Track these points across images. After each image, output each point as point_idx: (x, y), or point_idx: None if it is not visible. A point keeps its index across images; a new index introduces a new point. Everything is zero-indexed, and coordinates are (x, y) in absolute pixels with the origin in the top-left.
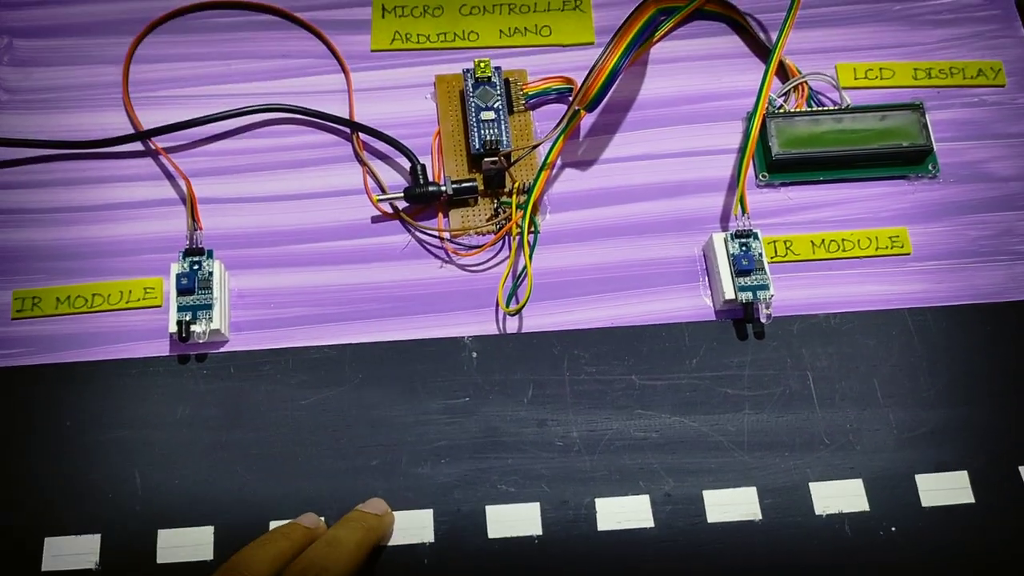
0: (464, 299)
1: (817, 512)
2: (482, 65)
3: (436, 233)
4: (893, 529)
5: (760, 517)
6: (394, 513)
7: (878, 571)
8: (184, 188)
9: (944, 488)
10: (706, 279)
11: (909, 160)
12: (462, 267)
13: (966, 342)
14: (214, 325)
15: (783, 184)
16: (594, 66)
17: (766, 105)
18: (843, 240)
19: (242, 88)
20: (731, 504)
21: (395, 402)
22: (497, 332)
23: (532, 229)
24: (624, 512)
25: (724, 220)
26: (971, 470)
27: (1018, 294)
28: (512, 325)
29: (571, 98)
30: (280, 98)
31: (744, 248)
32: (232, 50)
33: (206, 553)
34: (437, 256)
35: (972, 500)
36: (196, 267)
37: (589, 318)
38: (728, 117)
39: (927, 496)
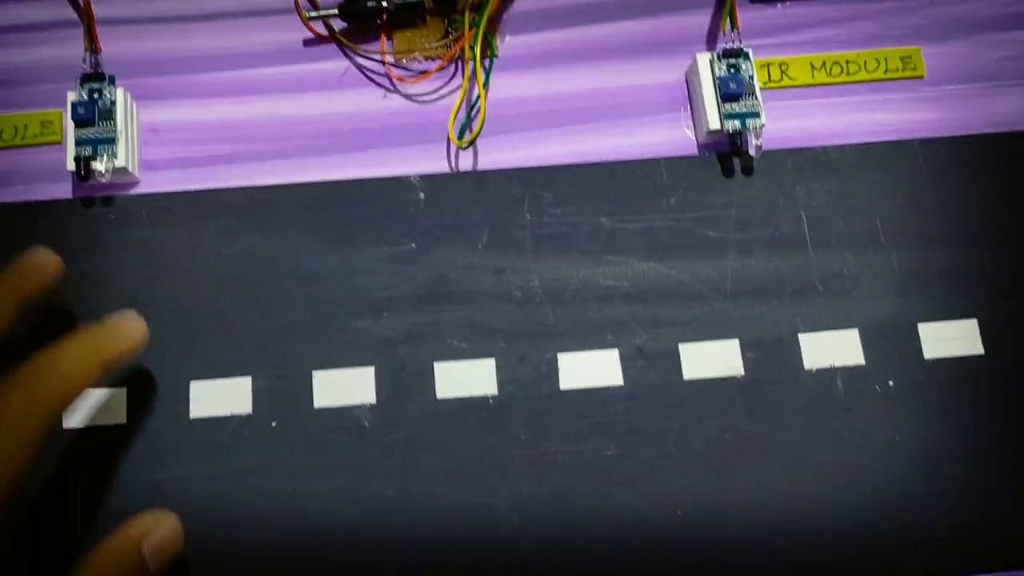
0: (411, 133)
1: (806, 366)
2: None
3: (378, 57)
4: (891, 384)
5: (742, 372)
6: (326, 372)
7: (872, 430)
8: (81, 4)
9: (950, 338)
10: (689, 109)
11: None
12: (408, 97)
13: (984, 175)
14: (119, 162)
15: None
16: None
17: None
18: (847, 62)
19: None
20: (710, 358)
21: (330, 250)
22: (449, 170)
23: (487, 52)
24: (590, 368)
25: (712, 40)
26: (982, 318)
27: None
28: (466, 162)
29: None
30: None
31: (733, 70)
32: None
33: (119, 417)
34: (380, 84)
35: (981, 351)
36: (96, 95)
37: (554, 153)
38: None
39: (930, 347)
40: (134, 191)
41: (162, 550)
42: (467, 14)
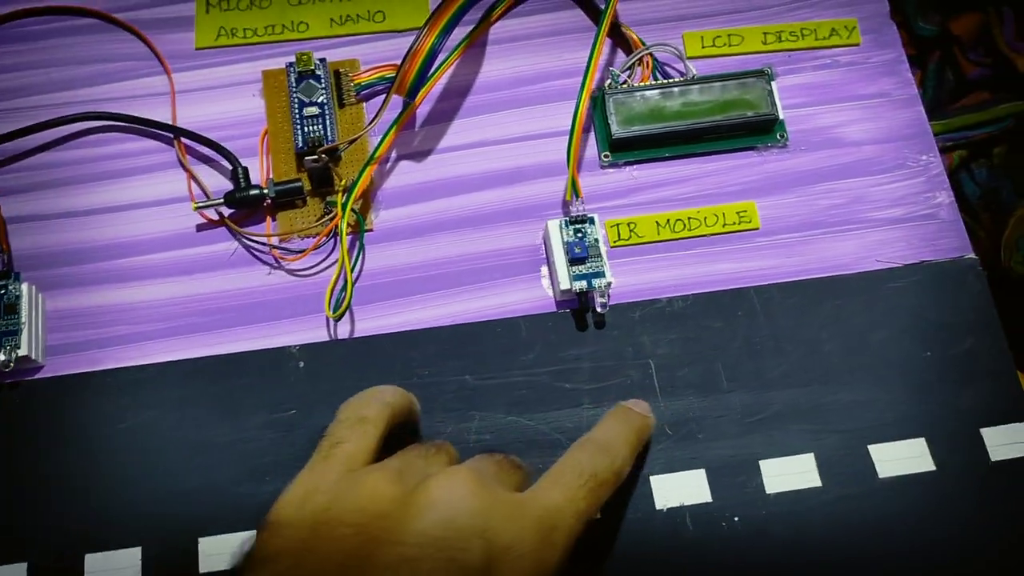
0: (294, 306)
1: (658, 506)
2: (304, 58)
3: (263, 239)
4: (736, 519)
5: (597, 515)
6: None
7: (719, 564)
8: None
9: (789, 473)
10: (548, 268)
11: (757, 130)
12: (291, 272)
13: (814, 317)
14: (22, 351)
15: (627, 163)
16: (409, 50)
17: (600, 79)
18: (689, 219)
19: (62, 97)
20: None
21: (217, 420)
22: (328, 339)
23: (356, 229)
24: None
25: (567, 206)
26: (818, 452)
27: (869, 263)
28: (344, 330)
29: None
30: (103, 104)
31: (579, 235)
32: (49, 57)
33: None
34: (265, 262)
35: (819, 484)
36: (1, 292)
37: (425, 317)
38: (571, 96)
39: (771, 482)
40: (39, 375)
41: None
42: (340, 195)
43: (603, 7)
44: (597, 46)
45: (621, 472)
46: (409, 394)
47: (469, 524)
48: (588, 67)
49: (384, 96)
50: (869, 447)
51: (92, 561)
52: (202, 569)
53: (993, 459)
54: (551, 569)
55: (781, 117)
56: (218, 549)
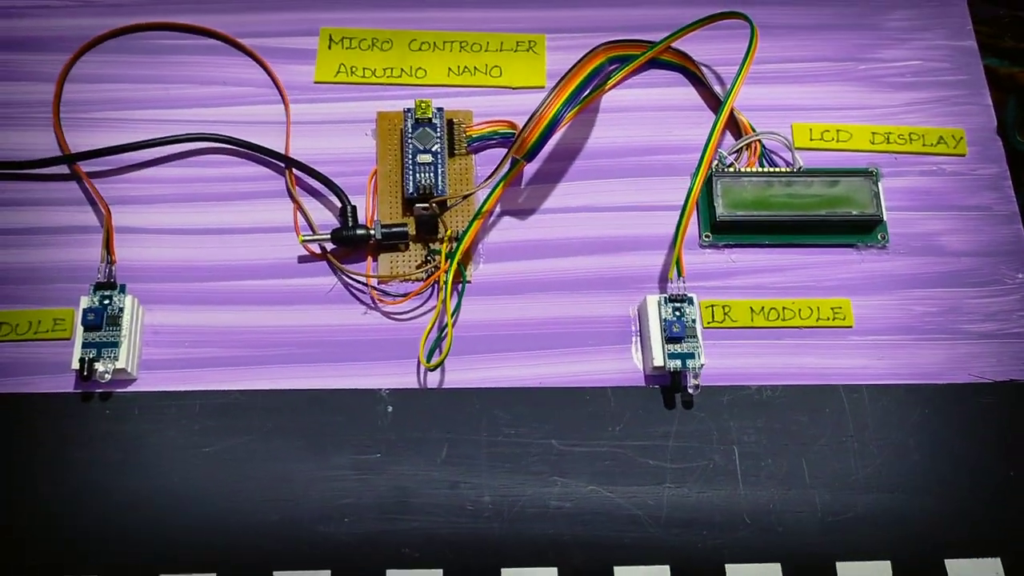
0: (386, 349)
1: None
2: (423, 106)
3: (363, 279)
4: None
5: None
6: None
7: None
8: (103, 218)
9: None
10: (639, 341)
11: (859, 228)
12: (387, 315)
13: (901, 424)
14: (119, 364)
15: (727, 246)
16: (534, 114)
17: (712, 163)
18: (783, 308)
19: (178, 114)
20: None
21: (301, 455)
22: (417, 386)
23: (459, 280)
24: None
25: (663, 281)
26: (895, 561)
27: (959, 375)
28: (433, 379)
29: (509, 146)
30: (217, 127)
31: (677, 313)
32: (171, 74)
33: None
34: (362, 302)
35: None
36: (106, 302)
37: (514, 376)
38: (677, 172)
39: None
40: (131, 388)
41: None
42: (445, 245)
43: (723, 92)
44: (716, 129)
45: None
46: None
47: None
48: (705, 149)
49: (495, 150)
50: (946, 561)
51: None
52: None
53: None
54: None
55: (884, 219)
56: None
